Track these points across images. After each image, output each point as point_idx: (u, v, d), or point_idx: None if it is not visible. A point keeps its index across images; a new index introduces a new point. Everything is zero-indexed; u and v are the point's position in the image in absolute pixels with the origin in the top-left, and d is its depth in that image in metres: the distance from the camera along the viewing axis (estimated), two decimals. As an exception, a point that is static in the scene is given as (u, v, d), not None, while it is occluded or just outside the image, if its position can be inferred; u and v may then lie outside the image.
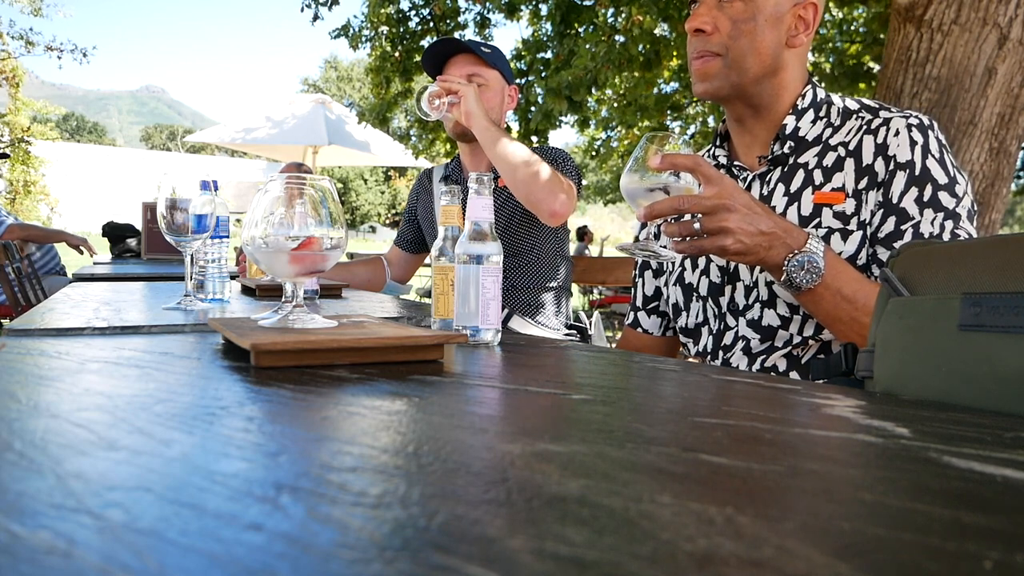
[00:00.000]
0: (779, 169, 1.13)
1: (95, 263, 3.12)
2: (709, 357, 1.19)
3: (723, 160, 1.21)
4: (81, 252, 4.03)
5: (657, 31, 5.79)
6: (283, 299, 0.88)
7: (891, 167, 1.04)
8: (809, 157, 1.11)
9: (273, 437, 0.46)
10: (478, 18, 6.53)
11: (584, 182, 2.08)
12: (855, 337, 0.97)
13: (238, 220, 3.14)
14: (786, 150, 1.12)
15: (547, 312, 1.94)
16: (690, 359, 1.27)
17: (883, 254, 1.03)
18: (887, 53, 3.24)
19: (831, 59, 7.14)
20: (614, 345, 1.78)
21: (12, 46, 13.13)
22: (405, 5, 6.52)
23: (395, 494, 0.35)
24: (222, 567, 0.26)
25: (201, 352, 0.79)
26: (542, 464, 0.41)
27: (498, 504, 0.34)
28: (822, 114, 1.13)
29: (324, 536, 0.30)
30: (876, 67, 6.50)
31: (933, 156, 1.03)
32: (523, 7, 6.48)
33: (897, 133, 1.05)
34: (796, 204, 1.09)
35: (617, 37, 5.56)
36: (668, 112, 7.55)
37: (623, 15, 5.67)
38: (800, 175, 1.11)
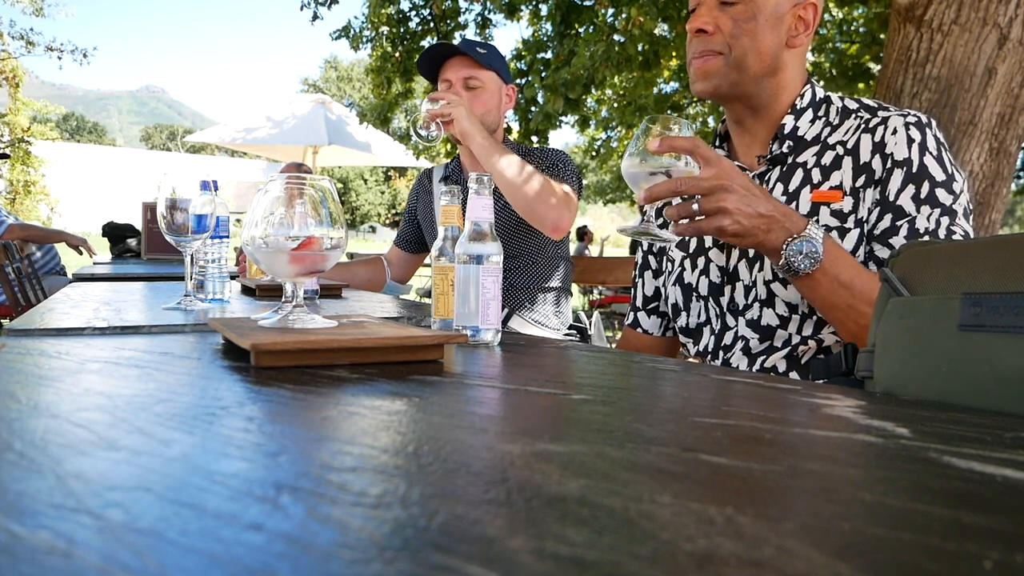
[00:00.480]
0: (778, 168, 1.13)
1: (95, 263, 3.12)
2: (709, 357, 1.19)
3: None
4: (81, 252, 4.03)
5: (656, 31, 5.79)
6: (283, 299, 0.88)
7: (888, 165, 1.04)
8: (808, 156, 1.11)
9: (273, 437, 0.46)
10: (478, 18, 6.53)
11: (584, 182, 2.08)
12: (851, 325, 0.97)
13: (238, 220, 3.14)
14: (784, 149, 1.13)
15: (547, 312, 1.94)
16: (690, 359, 1.27)
17: (880, 251, 1.03)
18: (887, 53, 3.24)
19: (831, 59, 7.14)
20: (614, 345, 1.78)
21: (12, 46, 13.13)
22: (405, 5, 6.52)
23: (395, 494, 0.35)
24: (222, 567, 0.26)
25: (201, 352, 0.79)
26: (542, 464, 0.41)
27: (498, 504, 0.34)
28: (821, 113, 1.13)
29: (324, 536, 0.30)
30: (876, 67, 6.50)
31: (931, 153, 1.03)
32: (523, 7, 6.48)
33: (895, 131, 1.05)
34: (794, 203, 1.09)
35: (616, 37, 5.57)
36: (668, 112, 7.55)
37: (623, 15, 5.68)
38: (799, 174, 1.11)
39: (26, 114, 13.86)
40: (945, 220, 1.01)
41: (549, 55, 6.41)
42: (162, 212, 1.17)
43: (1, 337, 0.87)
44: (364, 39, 6.64)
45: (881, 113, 1.08)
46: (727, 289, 1.16)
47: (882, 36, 5.84)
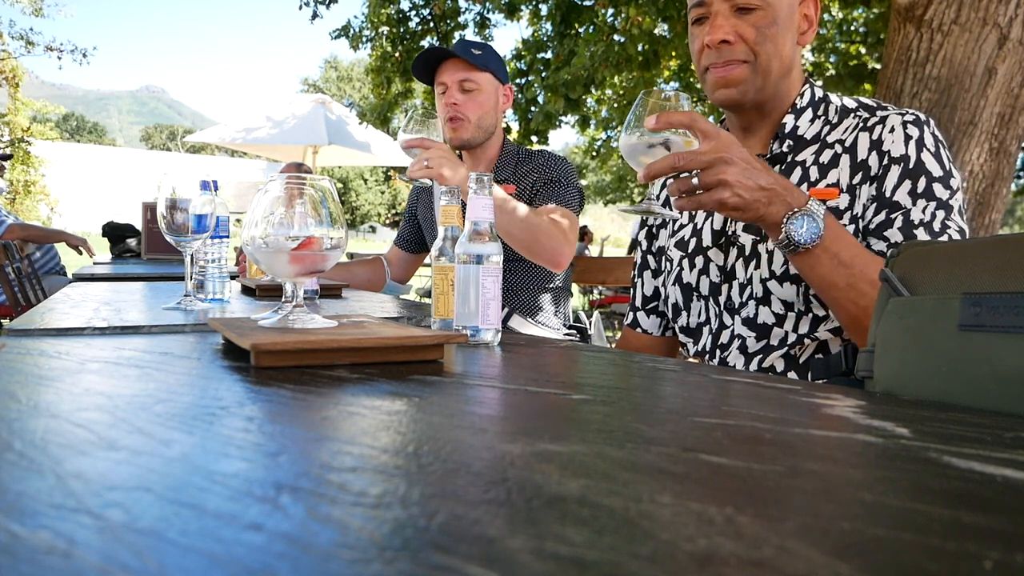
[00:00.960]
0: (777, 167, 1.13)
1: (95, 263, 3.12)
2: (707, 356, 1.19)
3: None
4: (81, 252, 4.03)
5: (656, 31, 5.80)
6: (283, 299, 0.88)
7: (885, 161, 1.04)
8: (807, 155, 1.11)
9: (273, 437, 0.46)
10: (478, 18, 6.53)
11: (584, 182, 2.08)
12: (850, 306, 0.95)
13: (238, 220, 3.14)
14: (784, 149, 1.13)
15: (547, 312, 1.94)
16: (689, 359, 1.27)
17: (876, 244, 1.02)
18: (887, 53, 3.24)
19: (832, 59, 7.14)
20: (614, 345, 1.78)
21: (12, 46, 13.13)
22: (405, 5, 6.53)
23: (395, 494, 0.35)
24: (222, 567, 0.26)
25: (201, 352, 0.79)
26: (542, 464, 0.41)
27: (498, 504, 0.34)
28: (820, 112, 1.13)
29: (324, 536, 0.30)
30: (877, 67, 6.50)
31: (928, 150, 1.03)
32: (523, 7, 6.48)
33: (892, 129, 1.05)
34: None
35: (616, 37, 5.57)
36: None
37: (623, 15, 5.68)
38: (797, 172, 1.11)
39: (26, 114, 13.85)
40: (941, 213, 1.00)
41: (549, 55, 6.41)
42: (162, 212, 1.17)
43: (1, 337, 0.87)
44: (364, 39, 6.65)
45: (880, 112, 1.09)
46: (724, 288, 1.16)
47: (882, 36, 5.84)
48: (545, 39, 6.58)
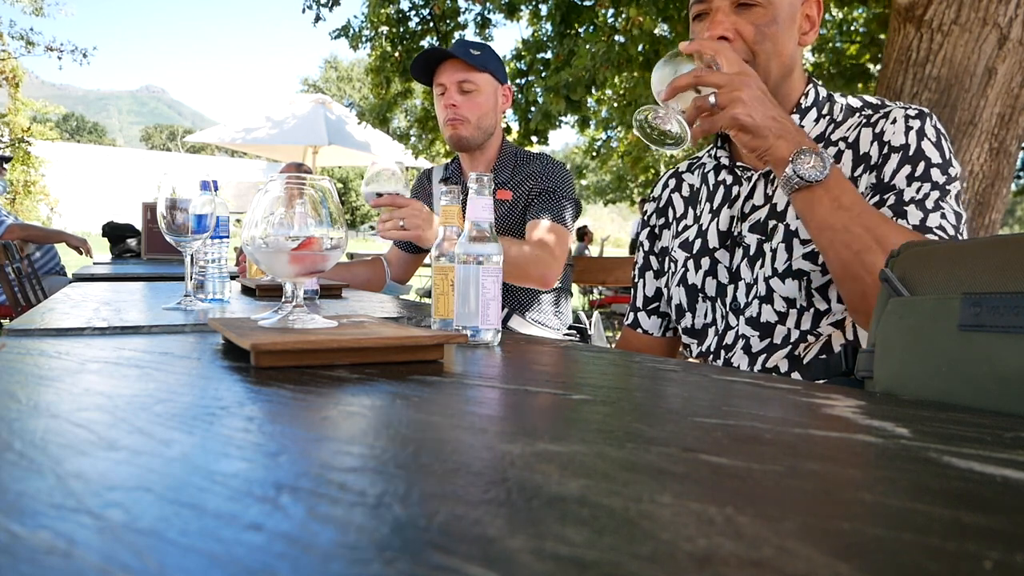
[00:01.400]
0: None
1: (95, 263, 3.12)
2: (711, 358, 1.19)
3: (725, 161, 1.21)
4: (81, 253, 4.03)
5: (656, 31, 5.79)
6: (283, 299, 0.88)
7: (885, 151, 1.04)
8: None
9: (273, 437, 0.46)
10: (478, 18, 6.53)
11: (584, 183, 2.09)
12: (842, 249, 0.94)
13: (238, 220, 3.14)
14: None
15: (547, 312, 1.94)
16: (691, 360, 1.27)
17: None
18: (887, 53, 3.24)
19: (831, 59, 7.14)
20: (614, 345, 1.78)
21: (12, 46, 13.12)
22: (405, 5, 6.52)
23: (395, 494, 0.35)
24: (222, 567, 0.26)
25: (201, 352, 0.79)
26: (542, 464, 0.41)
27: (498, 504, 0.34)
28: (824, 112, 1.13)
29: (324, 536, 0.30)
30: (876, 67, 6.50)
31: (929, 139, 1.03)
32: (523, 7, 6.48)
33: (894, 121, 1.05)
34: None
35: (617, 37, 5.57)
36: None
37: (623, 15, 5.68)
38: None
39: (26, 114, 13.84)
40: (935, 194, 1.00)
41: (549, 55, 6.41)
42: (162, 212, 1.17)
43: (1, 337, 0.87)
44: (363, 39, 6.64)
45: (883, 109, 1.09)
46: (730, 289, 1.16)
47: (882, 36, 5.84)
48: (545, 39, 6.57)
